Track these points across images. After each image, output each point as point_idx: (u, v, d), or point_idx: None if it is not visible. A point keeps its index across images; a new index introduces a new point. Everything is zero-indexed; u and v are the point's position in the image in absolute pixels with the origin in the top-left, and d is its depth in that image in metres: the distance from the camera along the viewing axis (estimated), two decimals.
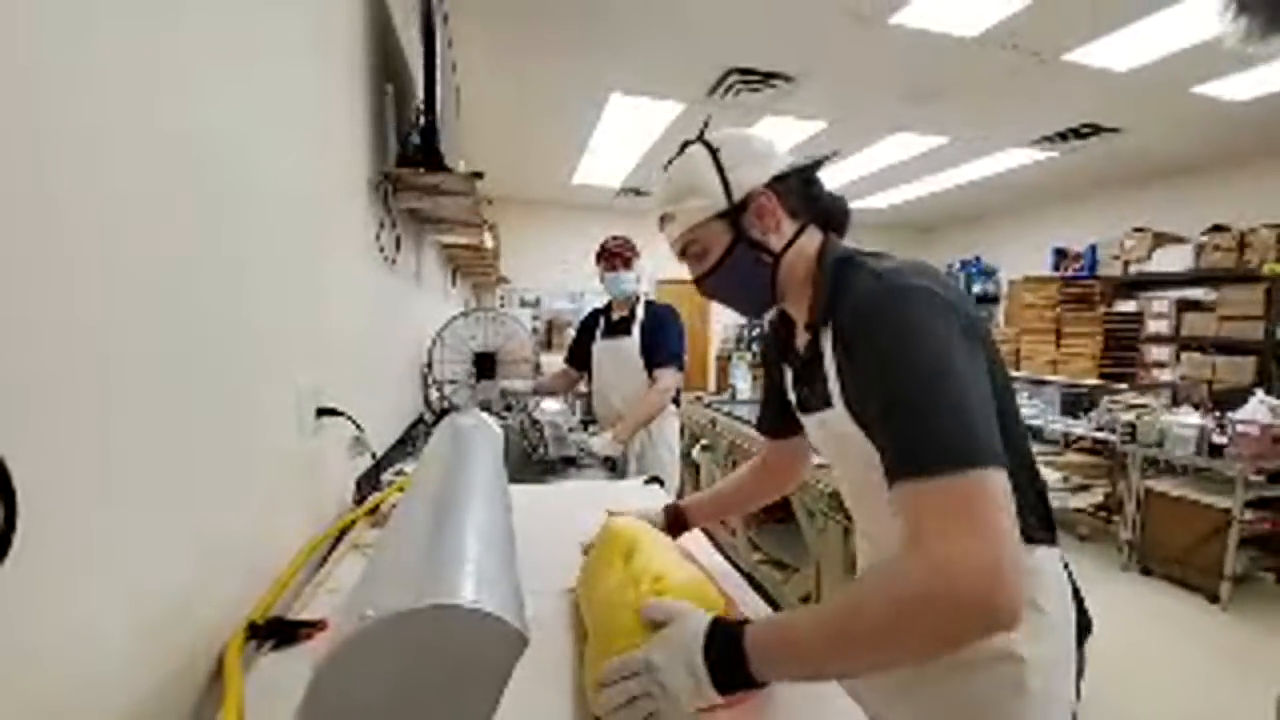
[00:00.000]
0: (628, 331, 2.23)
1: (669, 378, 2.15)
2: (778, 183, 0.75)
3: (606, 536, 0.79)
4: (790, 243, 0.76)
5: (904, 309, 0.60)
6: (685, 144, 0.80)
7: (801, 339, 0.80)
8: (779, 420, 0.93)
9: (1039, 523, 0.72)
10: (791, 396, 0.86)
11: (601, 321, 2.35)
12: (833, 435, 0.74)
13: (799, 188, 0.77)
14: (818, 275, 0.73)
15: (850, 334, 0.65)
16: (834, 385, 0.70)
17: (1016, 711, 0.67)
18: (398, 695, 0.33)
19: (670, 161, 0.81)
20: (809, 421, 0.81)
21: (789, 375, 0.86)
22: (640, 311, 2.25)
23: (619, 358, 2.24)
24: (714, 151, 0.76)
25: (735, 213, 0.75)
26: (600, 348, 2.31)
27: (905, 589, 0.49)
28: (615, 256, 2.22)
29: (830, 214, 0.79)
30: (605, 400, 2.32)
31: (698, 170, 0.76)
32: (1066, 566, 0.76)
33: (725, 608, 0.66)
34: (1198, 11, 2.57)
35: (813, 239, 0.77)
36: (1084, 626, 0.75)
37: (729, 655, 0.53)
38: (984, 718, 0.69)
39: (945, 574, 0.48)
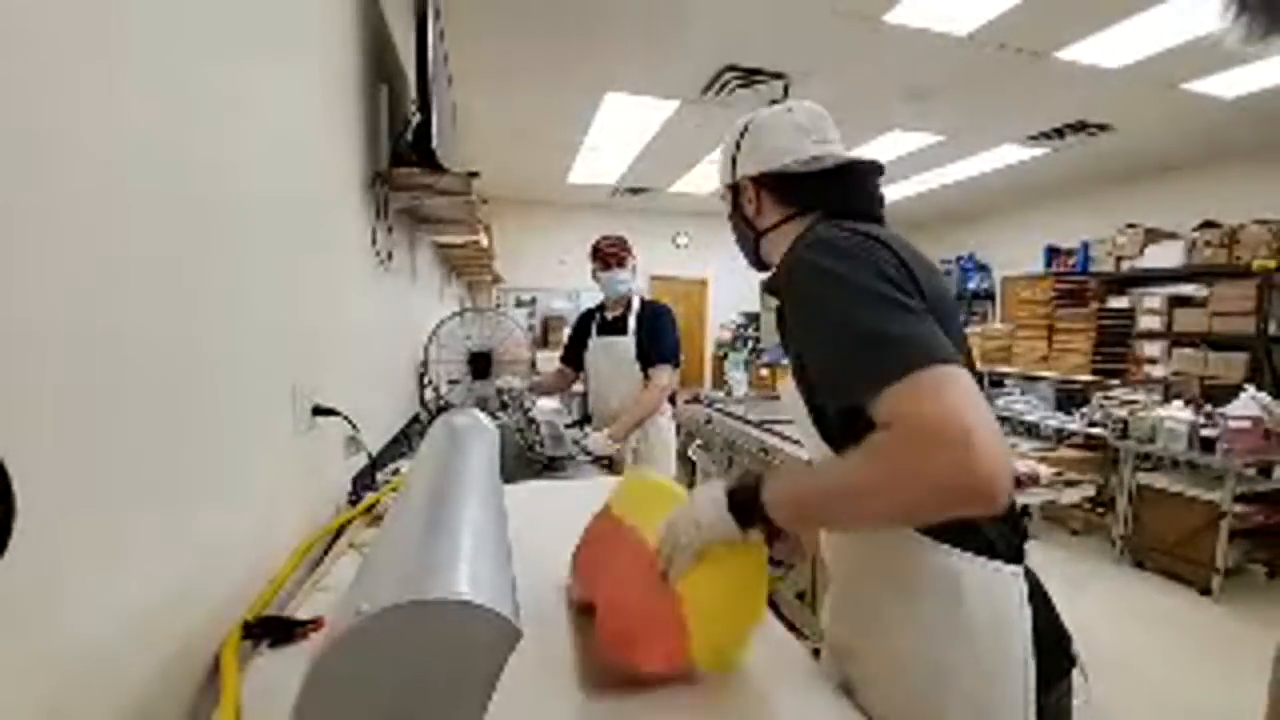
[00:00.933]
0: (623, 330, 2.24)
1: (665, 376, 2.16)
2: (767, 177, 0.85)
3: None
4: (775, 226, 0.86)
5: (812, 259, 0.68)
6: (751, 118, 0.90)
7: None
8: None
9: (995, 534, 0.69)
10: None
11: (596, 320, 2.36)
12: (787, 386, 0.81)
13: (789, 185, 0.84)
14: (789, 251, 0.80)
15: (784, 296, 0.74)
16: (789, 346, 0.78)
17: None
18: (393, 688, 0.33)
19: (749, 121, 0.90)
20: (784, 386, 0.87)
21: None
22: (635, 310, 2.26)
23: (614, 356, 2.25)
24: (743, 134, 0.88)
25: (735, 189, 0.90)
26: (595, 346, 2.31)
27: (885, 442, 0.55)
28: (609, 256, 2.23)
29: (840, 206, 0.81)
30: (601, 399, 2.32)
31: (727, 147, 0.91)
32: (1043, 593, 0.72)
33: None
34: (1186, 9, 2.59)
35: (799, 226, 0.83)
36: (1058, 660, 0.70)
37: (746, 500, 0.65)
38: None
39: (922, 425, 0.52)
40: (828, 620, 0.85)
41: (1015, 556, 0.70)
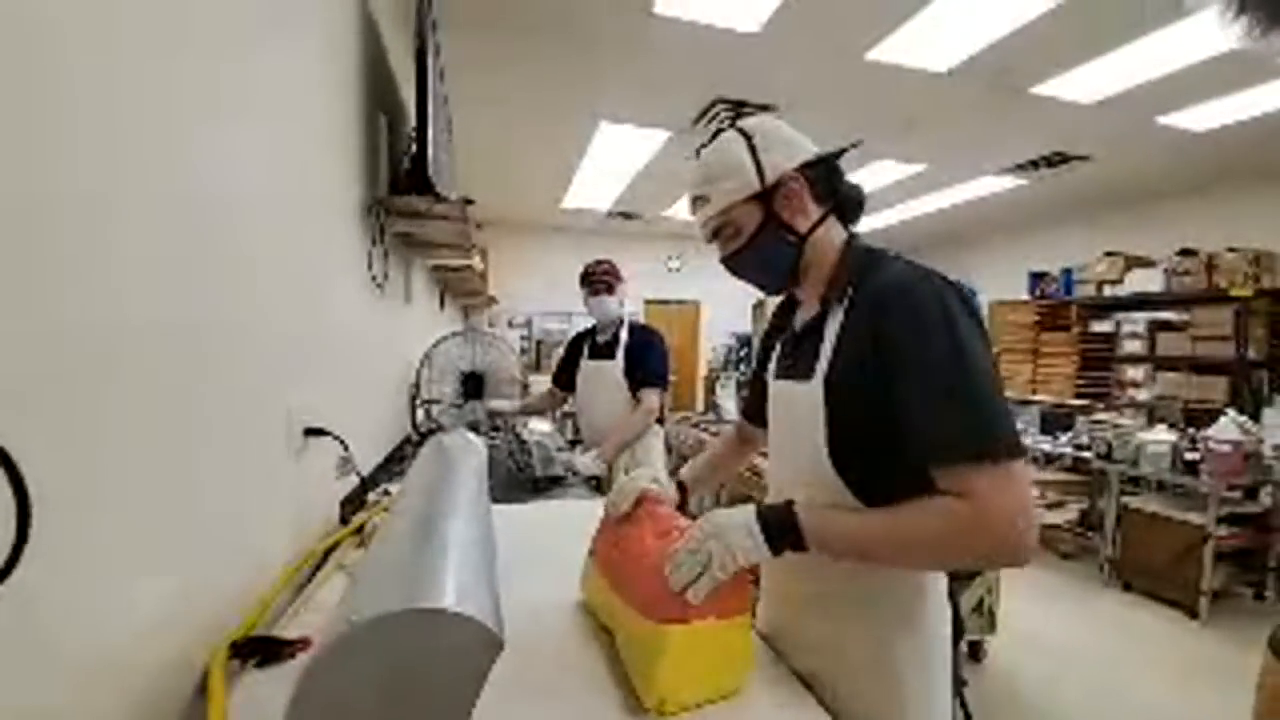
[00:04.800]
0: (612, 354, 2.29)
1: (653, 398, 2.21)
2: (806, 169, 0.80)
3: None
4: (815, 226, 0.81)
5: (954, 310, 0.66)
6: (718, 131, 0.85)
7: (803, 316, 0.86)
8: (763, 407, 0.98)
9: None
10: (772, 365, 0.91)
11: (588, 343, 2.41)
12: (794, 399, 0.80)
13: (824, 175, 0.81)
14: (843, 259, 0.80)
15: (882, 313, 0.69)
16: (824, 360, 0.75)
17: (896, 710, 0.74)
18: (380, 696, 0.35)
19: (702, 147, 0.85)
20: (779, 385, 0.87)
21: (778, 348, 0.91)
22: (624, 334, 2.31)
23: (603, 379, 2.30)
24: (748, 137, 0.80)
25: (767, 195, 0.79)
26: (585, 369, 2.37)
27: (954, 519, 0.62)
28: (597, 284, 2.29)
29: (847, 201, 0.84)
30: (590, 420, 2.36)
31: (733, 154, 0.80)
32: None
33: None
34: (1159, 46, 2.71)
35: (837, 227, 0.83)
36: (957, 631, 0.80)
37: (780, 523, 0.67)
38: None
39: (989, 518, 0.61)
40: (765, 607, 0.89)
41: None
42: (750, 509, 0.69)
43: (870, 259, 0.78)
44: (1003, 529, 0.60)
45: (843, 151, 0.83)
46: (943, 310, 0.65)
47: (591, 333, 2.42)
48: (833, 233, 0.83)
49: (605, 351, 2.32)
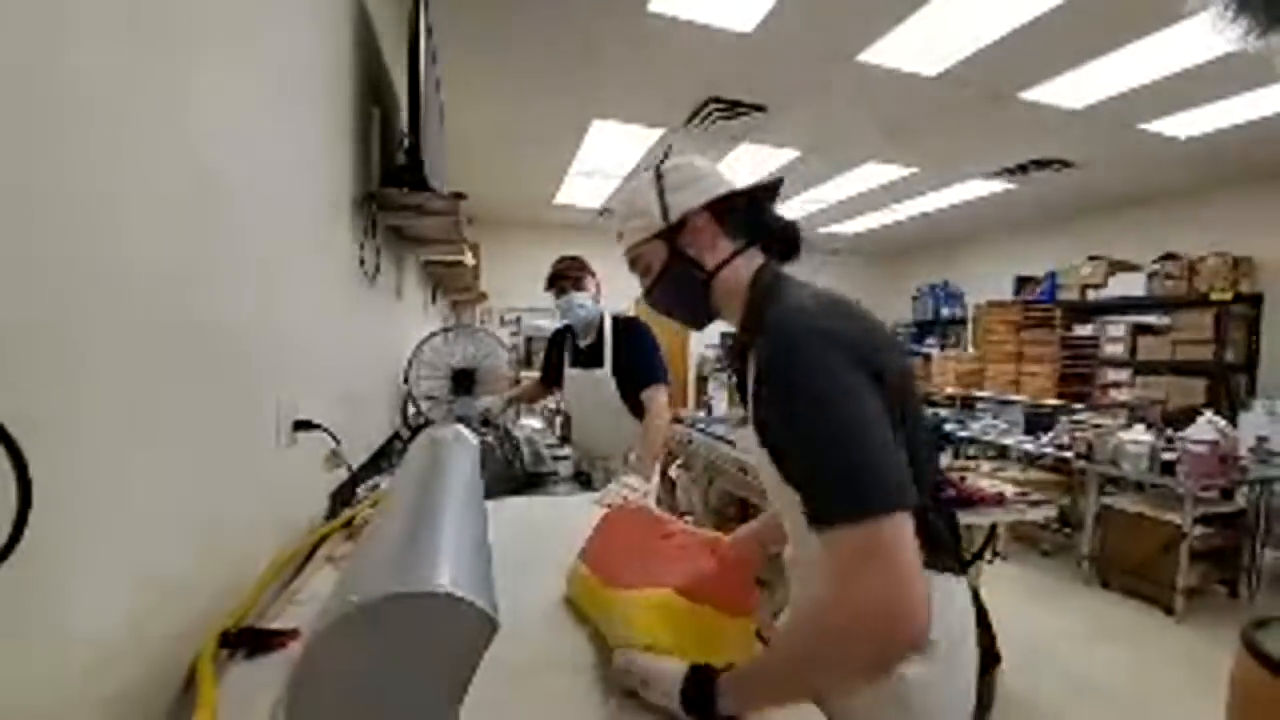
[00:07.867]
0: (599, 361, 2.11)
1: (661, 397, 2.00)
2: (718, 204, 0.81)
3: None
4: (726, 261, 0.81)
5: (805, 351, 0.64)
6: (647, 169, 0.87)
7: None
8: None
9: (941, 551, 0.72)
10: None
11: (569, 346, 2.24)
12: (749, 443, 0.81)
13: (742, 211, 0.82)
14: (748, 297, 0.79)
15: (764, 367, 0.69)
16: (751, 407, 0.75)
17: None
18: (378, 676, 0.36)
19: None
20: (740, 431, 0.90)
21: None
22: (608, 334, 2.12)
23: (593, 390, 2.13)
24: (659, 177, 0.83)
25: (672, 233, 0.82)
26: (572, 377, 2.21)
27: (830, 633, 0.60)
28: (564, 279, 2.09)
29: (780, 238, 0.84)
30: (583, 428, 2.26)
31: (641, 194, 0.84)
32: (977, 597, 0.79)
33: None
34: (1143, 53, 2.77)
35: (752, 260, 0.82)
36: (989, 657, 0.78)
37: (700, 700, 0.64)
38: None
39: (860, 617, 0.57)
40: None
41: (963, 566, 0.76)
42: (680, 674, 0.65)
43: (766, 298, 0.76)
44: (867, 606, 0.56)
45: (765, 187, 0.84)
46: (803, 363, 0.64)
47: (571, 333, 2.24)
48: (747, 268, 0.81)
49: (591, 358, 2.12)
